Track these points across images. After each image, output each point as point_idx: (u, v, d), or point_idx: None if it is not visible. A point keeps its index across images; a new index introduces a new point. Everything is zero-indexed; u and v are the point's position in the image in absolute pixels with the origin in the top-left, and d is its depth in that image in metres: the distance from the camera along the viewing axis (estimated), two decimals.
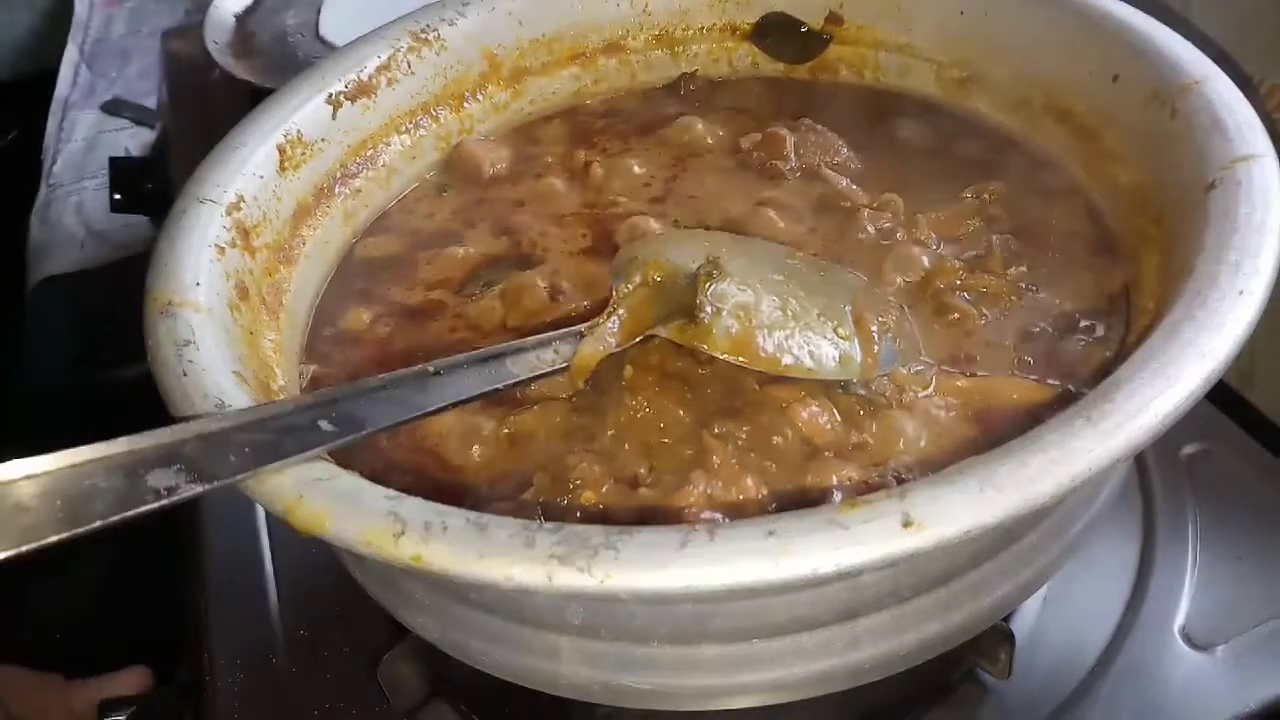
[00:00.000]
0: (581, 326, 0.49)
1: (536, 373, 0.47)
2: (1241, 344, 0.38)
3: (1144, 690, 0.53)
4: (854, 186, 0.59)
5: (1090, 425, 0.35)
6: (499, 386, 0.45)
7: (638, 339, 0.49)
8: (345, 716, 0.56)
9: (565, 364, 0.47)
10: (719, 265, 0.48)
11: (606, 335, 0.48)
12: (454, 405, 0.44)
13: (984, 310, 0.51)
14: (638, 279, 0.49)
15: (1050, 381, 0.47)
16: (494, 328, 0.54)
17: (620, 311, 0.49)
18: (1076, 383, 0.47)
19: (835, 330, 0.48)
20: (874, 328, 0.48)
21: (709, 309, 0.47)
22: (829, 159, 0.61)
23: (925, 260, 0.54)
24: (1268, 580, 0.57)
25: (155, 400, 0.43)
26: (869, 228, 0.56)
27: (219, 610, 0.62)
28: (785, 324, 0.47)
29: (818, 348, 0.47)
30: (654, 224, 0.58)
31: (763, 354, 0.47)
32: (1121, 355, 0.44)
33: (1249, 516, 0.60)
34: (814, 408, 0.46)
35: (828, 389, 0.47)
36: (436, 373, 0.44)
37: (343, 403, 0.41)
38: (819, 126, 0.62)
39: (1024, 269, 0.53)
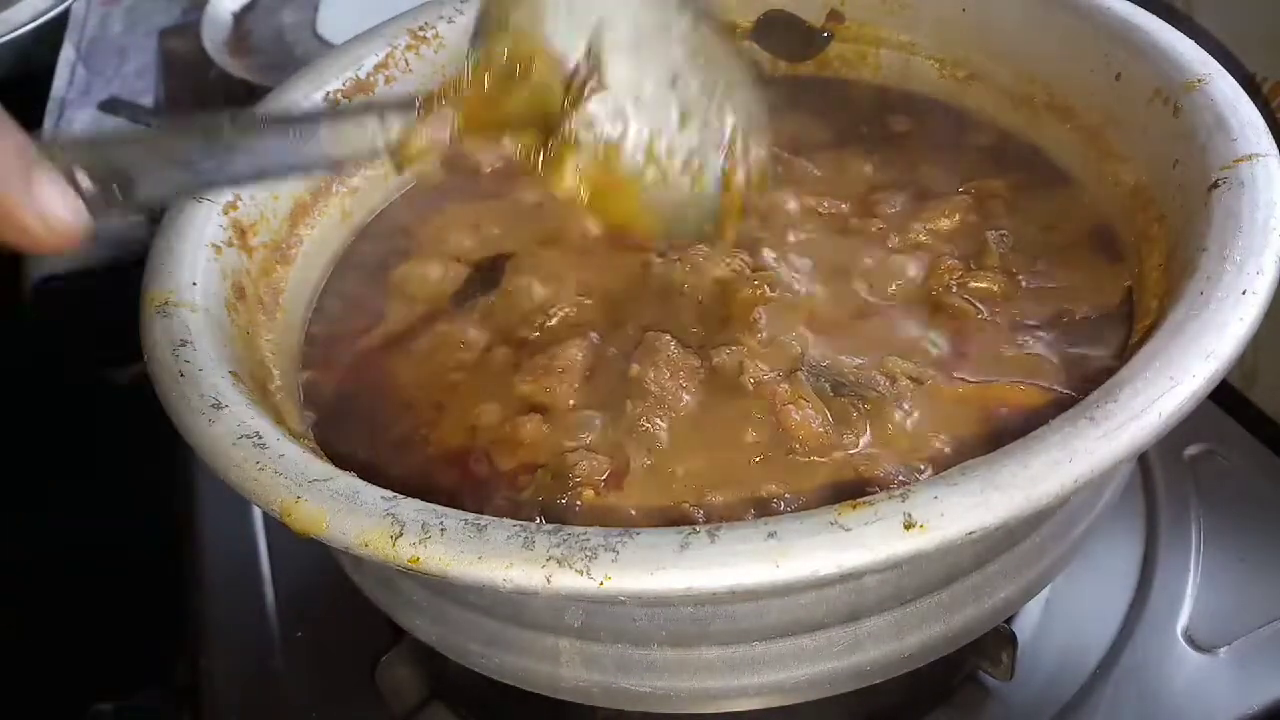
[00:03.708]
0: (419, 98, 0.41)
1: (355, 151, 0.39)
2: (1245, 344, 0.38)
3: (1147, 692, 0.53)
4: (839, 204, 0.58)
5: (1093, 425, 0.35)
6: (302, 167, 0.39)
7: (477, 140, 0.41)
8: (343, 719, 0.55)
9: (388, 146, 0.40)
10: (600, 71, 0.40)
11: (444, 123, 0.40)
12: (242, 182, 0.39)
13: (983, 310, 0.51)
14: (500, 52, 0.40)
15: (1051, 384, 0.47)
16: (495, 330, 0.54)
17: (468, 92, 0.40)
18: (1078, 383, 0.46)
19: (694, 181, 0.43)
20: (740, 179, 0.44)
21: (572, 134, 0.40)
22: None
23: (924, 259, 0.53)
24: (1271, 581, 0.57)
25: (153, 400, 0.43)
26: (866, 228, 0.56)
27: (216, 612, 0.61)
28: (643, 171, 0.41)
29: (668, 206, 0.42)
30: None
31: (609, 205, 0.42)
32: (1124, 355, 0.44)
33: (1252, 517, 0.60)
34: (808, 410, 0.45)
35: (820, 391, 0.47)
36: (226, 128, 0.37)
37: (101, 148, 0.36)
38: (785, 154, 0.61)
39: (1024, 268, 0.53)
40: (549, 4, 0.40)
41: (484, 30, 0.40)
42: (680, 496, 0.44)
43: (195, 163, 0.36)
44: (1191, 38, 0.52)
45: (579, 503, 0.44)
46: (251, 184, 0.39)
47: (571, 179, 0.40)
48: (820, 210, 0.58)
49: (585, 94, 0.40)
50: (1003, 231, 0.54)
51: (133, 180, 0.35)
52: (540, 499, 0.44)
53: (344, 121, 0.39)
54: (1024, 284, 0.52)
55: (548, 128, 0.40)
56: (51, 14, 1.04)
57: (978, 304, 0.51)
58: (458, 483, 0.47)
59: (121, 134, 0.36)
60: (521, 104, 0.40)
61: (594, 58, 0.40)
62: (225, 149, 0.37)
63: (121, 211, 0.35)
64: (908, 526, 0.33)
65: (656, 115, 0.41)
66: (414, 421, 0.50)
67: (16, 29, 1.03)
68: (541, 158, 0.40)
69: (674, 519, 0.43)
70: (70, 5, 1.10)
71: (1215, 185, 0.44)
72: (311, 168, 0.40)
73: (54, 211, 0.33)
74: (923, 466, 0.44)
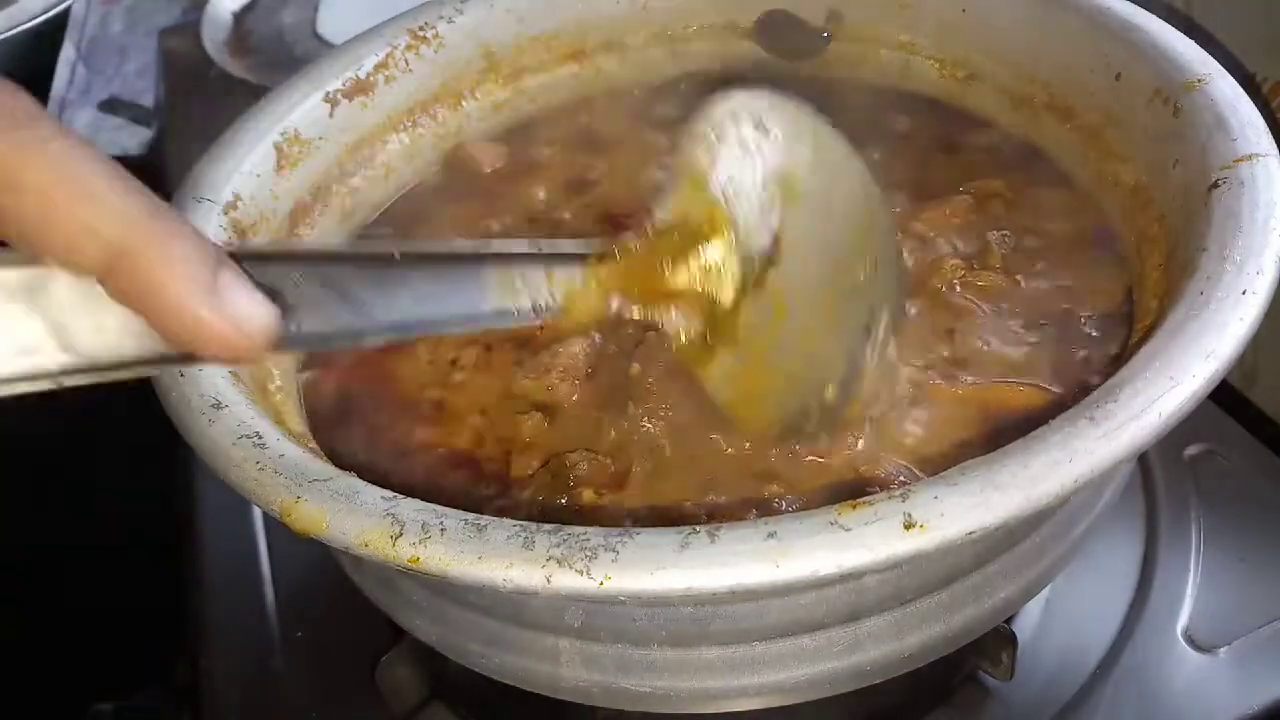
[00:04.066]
0: (590, 250, 0.36)
1: (519, 310, 0.35)
2: (1245, 344, 0.38)
3: (1147, 692, 0.53)
4: None
5: (1093, 425, 0.35)
6: (465, 319, 0.34)
7: (643, 310, 0.37)
8: (342, 719, 0.55)
9: (554, 308, 0.36)
10: (780, 254, 0.37)
11: (615, 283, 0.36)
12: (399, 330, 0.33)
13: (982, 310, 0.51)
14: (686, 212, 0.36)
15: (1050, 385, 0.47)
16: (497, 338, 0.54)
17: (638, 254, 0.36)
18: (1078, 385, 0.46)
19: (824, 392, 0.40)
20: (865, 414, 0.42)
21: (737, 326, 0.37)
22: None
23: (925, 259, 0.53)
24: (1271, 581, 0.57)
25: (153, 400, 0.43)
26: None
27: (216, 612, 0.61)
28: (787, 367, 0.38)
29: (793, 401, 0.40)
30: None
31: (735, 389, 0.39)
32: (1124, 355, 0.44)
33: (1252, 517, 0.60)
34: None
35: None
36: (396, 258, 0.33)
37: (262, 265, 0.31)
38: None
39: (1025, 268, 0.53)
40: (733, 157, 0.36)
41: (676, 183, 0.36)
42: (682, 496, 0.44)
43: (362, 298, 0.32)
44: (1191, 38, 0.52)
45: (580, 503, 0.44)
46: (407, 334, 0.33)
47: (722, 377, 0.37)
48: None
49: (762, 279, 0.35)
50: (1005, 232, 0.54)
51: (292, 309, 0.30)
52: (541, 499, 0.44)
53: (511, 267, 0.34)
54: (1024, 284, 0.52)
55: (706, 304, 0.36)
56: (56, 10, 1.04)
57: (979, 304, 0.51)
58: (458, 483, 0.47)
59: (282, 252, 0.32)
60: (688, 278, 0.36)
61: (777, 234, 0.36)
62: (394, 284, 0.32)
63: (277, 349, 0.30)
64: (908, 526, 0.33)
65: (817, 307, 0.38)
66: (415, 421, 0.50)
67: (24, 23, 1.03)
68: (690, 338, 0.37)
69: (675, 519, 0.43)
70: (70, 4, 1.10)
71: (1215, 185, 0.44)
72: (473, 320, 0.34)
73: (247, 313, 0.29)
74: (920, 468, 0.44)
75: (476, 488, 0.46)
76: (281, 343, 0.30)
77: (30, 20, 1.00)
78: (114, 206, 0.27)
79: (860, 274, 0.41)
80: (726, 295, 0.37)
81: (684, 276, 0.36)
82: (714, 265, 0.36)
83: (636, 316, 0.37)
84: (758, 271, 0.37)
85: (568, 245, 0.35)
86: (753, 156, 0.37)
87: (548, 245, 0.34)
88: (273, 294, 0.30)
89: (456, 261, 0.34)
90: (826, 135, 0.41)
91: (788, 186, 0.38)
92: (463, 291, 0.34)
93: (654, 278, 0.36)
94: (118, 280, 0.28)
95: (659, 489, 0.45)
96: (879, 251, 0.42)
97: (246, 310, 0.29)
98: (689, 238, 0.36)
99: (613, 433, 0.47)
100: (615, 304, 0.36)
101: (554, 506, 0.44)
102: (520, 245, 0.34)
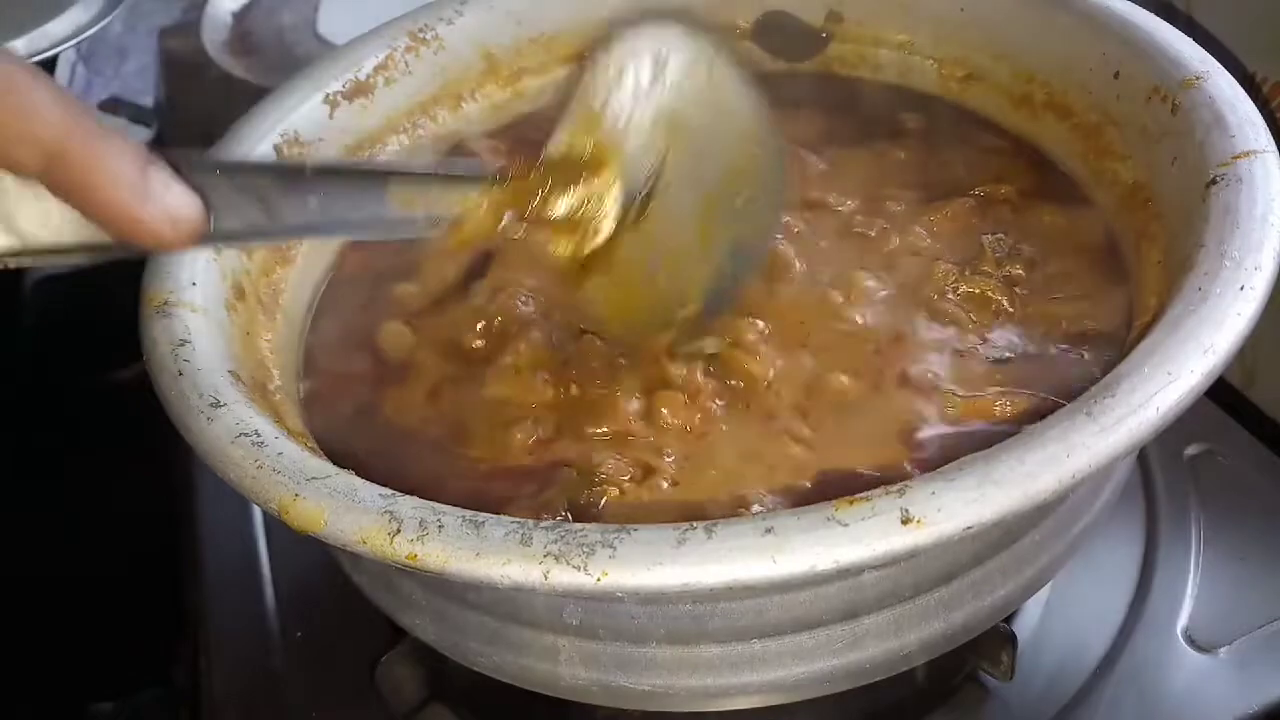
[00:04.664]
0: (493, 172, 0.40)
1: (413, 222, 0.39)
2: (1243, 339, 0.38)
3: (1146, 692, 0.52)
4: (844, 200, 0.58)
5: (1091, 420, 0.35)
6: (365, 225, 0.39)
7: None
8: (342, 719, 0.55)
9: (446, 225, 0.40)
10: (659, 188, 0.41)
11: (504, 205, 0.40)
12: (309, 230, 0.39)
13: (975, 316, 0.50)
14: (572, 142, 0.40)
15: (1046, 394, 0.46)
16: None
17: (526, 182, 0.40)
18: (1066, 398, 0.46)
19: (685, 309, 0.44)
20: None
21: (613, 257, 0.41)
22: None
23: (920, 264, 0.53)
24: (1271, 581, 0.57)
25: (153, 400, 0.43)
26: (863, 230, 0.56)
27: (216, 612, 0.61)
28: (653, 287, 0.43)
29: (662, 319, 0.44)
30: None
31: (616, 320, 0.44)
32: (1122, 352, 0.44)
33: (1252, 517, 0.60)
34: None
35: None
36: (306, 170, 0.38)
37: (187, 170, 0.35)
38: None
39: (1021, 270, 0.52)
40: (630, 98, 0.41)
41: (571, 117, 0.40)
42: (709, 493, 0.44)
43: (274, 202, 0.36)
44: (1191, 37, 0.52)
45: (605, 501, 0.44)
46: (317, 234, 0.40)
47: (594, 293, 0.41)
48: (826, 207, 0.58)
49: (641, 212, 0.40)
50: (999, 235, 0.54)
51: (213, 208, 0.35)
52: (566, 497, 0.44)
53: (412, 184, 0.38)
54: (1020, 291, 0.51)
55: (586, 232, 0.40)
56: (80, 39, 1.04)
57: (971, 312, 0.51)
58: (471, 482, 0.47)
59: (203, 160, 0.37)
60: (572, 207, 0.40)
61: (659, 169, 0.40)
62: (304, 191, 0.37)
63: (201, 242, 0.35)
64: (905, 522, 0.33)
65: (688, 234, 0.42)
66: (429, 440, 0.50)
67: (60, 44, 1.02)
68: (567, 259, 0.41)
69: (701, 514, 0.43)
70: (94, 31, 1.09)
71: (1213, 182, 0.44)
72: (374, 227, 0.39)
73: (175, 205, 0.34)
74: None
75: (495, 486, 0.46)
76: (205, 236, 0.34)
77: (53, 48, 0.99)
78: (50, 117, 0.31)
79: (735, 203, 0.44)
80: (606, 226, 0.40)
81: (567, 205, 0.40)
82: (597, 197, 0.40)
83: (521, 236, 0.40)
84: (638, 205, 0.40)
85: (464, 167, 0.40)
86: (645, 96, 0.40)
87: (446, 166, 0.39)
88: (198, 192, 0.34)
89: (362, 176, 0.38)
90: (724, 73, 0.44)
91: (675, 124, 0.41)
92: (366, 202, 0.38)
93: (540, 204, 0.40)
94: (56, 179, 0.32)
95: (687, 485, 0.45)
96: (758, 184, 0.46)
97: (176, 204, 0.34)
98: (576, 169, 0.40)
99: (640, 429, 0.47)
100: (503, 224, 0.39)
101: (579, 505, 0.44)
102: (423, 165, 0.38)
